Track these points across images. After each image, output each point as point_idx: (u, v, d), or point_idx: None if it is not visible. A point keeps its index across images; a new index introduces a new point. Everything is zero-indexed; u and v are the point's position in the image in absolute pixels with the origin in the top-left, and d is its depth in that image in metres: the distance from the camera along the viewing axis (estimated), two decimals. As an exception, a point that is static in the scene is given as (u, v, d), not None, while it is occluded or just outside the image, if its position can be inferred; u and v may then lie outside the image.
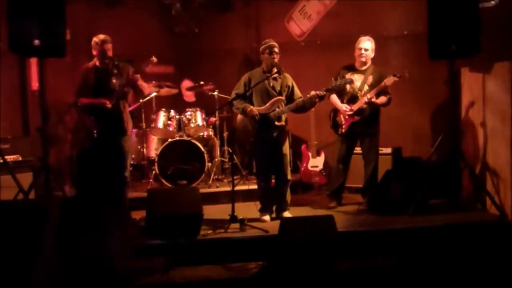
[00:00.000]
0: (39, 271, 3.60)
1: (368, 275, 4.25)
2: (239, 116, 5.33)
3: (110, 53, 5.19)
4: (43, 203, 4.24)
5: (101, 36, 5.18)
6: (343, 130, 5.68)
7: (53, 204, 4.09)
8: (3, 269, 3.58)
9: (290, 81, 5.34)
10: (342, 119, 5.68)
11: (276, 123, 5.22)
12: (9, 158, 5.39)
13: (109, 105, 5.10)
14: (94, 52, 5.22)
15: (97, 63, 5.24)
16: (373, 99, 5.46)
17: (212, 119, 6.95)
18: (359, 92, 5.58)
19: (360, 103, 5.52)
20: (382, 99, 5.52)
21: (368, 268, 4.38)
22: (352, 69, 5.64)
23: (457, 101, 5.84)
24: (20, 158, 5.59)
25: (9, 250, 3.66)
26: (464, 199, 5.70)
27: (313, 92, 5.12)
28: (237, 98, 5.25)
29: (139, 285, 4.08)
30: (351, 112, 5.55)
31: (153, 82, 6.67)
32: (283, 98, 5.26)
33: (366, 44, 5.56)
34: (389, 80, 5.40)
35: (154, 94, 6.79)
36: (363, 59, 5.57)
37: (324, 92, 5.13)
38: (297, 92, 5.34)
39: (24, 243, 3.68)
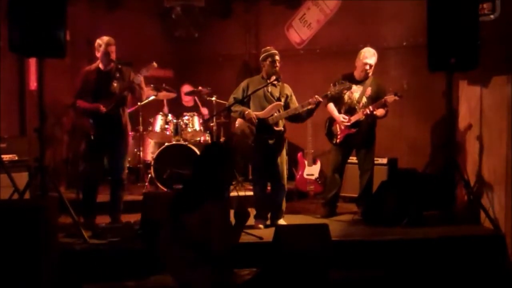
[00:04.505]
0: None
1: (362, 286, 4.25)
2: (238, 121, 5.34)
3: (113, 56, 5.20)
4: (40, 203, 4.22)
5: (105, 38, 5.20)
6: (338, 141, 5.68)
7: (50, 205, 4.09)
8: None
9: (289, 90, 5.36)
10: (338, 129, 5.68)
11: (275, 128, 5.23)
12: (5, 157, 5.38)
13: (103, 110, 5.11)
14: (98, 54, 5.23)
15: (100, 66, 5.25)
16: (374, 112, 5.46)
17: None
18: (357, 104, 5.58)
19: (359, 116, 5.52)
20: (381, 111, 5.52)
21: (361, 279, 4.38)
22: (351, 79, 5.60)
23: (454, 113, 5.86)
24: (16, 158, 5.58)
25: (4, 249, 3.65)
26: (458, 212, 5.70)
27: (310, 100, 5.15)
28: (235, 103, 5.25)
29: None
30: (348, 123, 5.56)
31: (151, 85, 6.67)
32: (282, 103, 5.27)
33: (372, 60, 5.53)
34: (389, 98, 5.40)
35: (152, 97, 6.79)
36: (367, 74, 5.56)
37: (320, 99, 5.14)
38: (295, 102, 5.35)
39: (20, 242, 3.68)
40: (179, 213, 3.17)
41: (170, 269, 3.32)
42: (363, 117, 5.51)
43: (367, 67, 5.53)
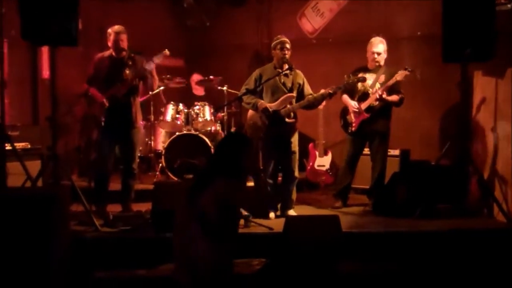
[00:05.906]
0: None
1: (372, 278, 4.24)
2: (249, 113, 5.32)
3: (123, 44, 5.22)
4: (52, 191, 4.24)
5: (115, 27, 5.23)
6: (353, 129, 5.64)
7: (62, 193, 4.10)
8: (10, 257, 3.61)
9: (301, 78, 5.33)
10: (353, 117, 5.65)
11: (287, 119, 5.21)
12: (18, 145, 5.40)
13: (106, 104, 5.13)
14: (109, 43, 5.25)
15: (113, 53, 5.26)
16: (384, 95, 5.43)
17: (220, 114, 6.94)
18: (370, 90, 5.55)
19: (371, 100, 5.50)
20: (394, 97, 5.48)
21: (371, 271, 4.36)
22: (365, 69, 5.61)
23: (468, 105, 5.78)
24: (29, 146, 5.62)
25: (16, 236, 3.67)
26: (471, 205, 5.65)
27: (323, 91, 5.14)
28: (247, 93, 5.23)
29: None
30: (357, 110, 5.53)
31: (164, 76, 6.70)
32: (294, 95, 5.25)
33: (379, 48, 5.53)
34: (400, 75, 5.38)
35: (162, 87, 6.79)
36: (377, 63, 5.55)
37: (332, 91, 5.13)
38: (308, 89, 5.33)
39: (32, 230, 3.70)
40: (194, 195, 3.25)
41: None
42: (376, 102, 5.47)
43: (376, 55, 5.53)
